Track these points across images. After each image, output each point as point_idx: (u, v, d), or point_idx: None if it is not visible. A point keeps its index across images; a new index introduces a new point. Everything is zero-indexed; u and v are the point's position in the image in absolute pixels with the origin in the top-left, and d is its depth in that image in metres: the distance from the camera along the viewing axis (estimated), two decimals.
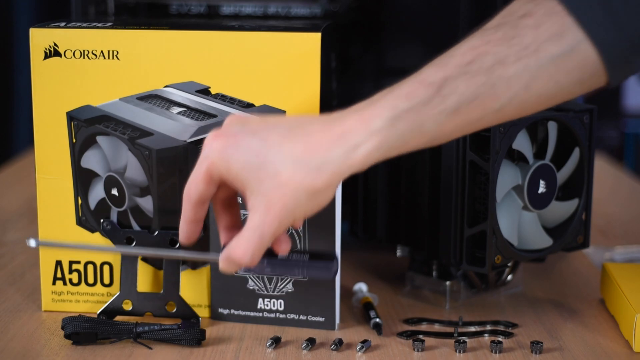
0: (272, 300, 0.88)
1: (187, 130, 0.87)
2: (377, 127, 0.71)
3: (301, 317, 0.88)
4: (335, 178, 0.72)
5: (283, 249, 0.77)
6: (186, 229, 0.78)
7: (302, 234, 0.86)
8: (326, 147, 0.72)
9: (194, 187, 0.76)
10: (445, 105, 0.72)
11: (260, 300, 0.89)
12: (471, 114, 0.72)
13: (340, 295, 0.88)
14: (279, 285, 0.88)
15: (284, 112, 0.87)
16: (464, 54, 0.73)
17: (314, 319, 0.88)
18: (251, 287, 0.89)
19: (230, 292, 0.89)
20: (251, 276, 0.88)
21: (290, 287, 0.88)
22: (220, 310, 0.89)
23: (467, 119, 0.73)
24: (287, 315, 0.88)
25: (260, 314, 0.89)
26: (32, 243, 0.77)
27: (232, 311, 0.89)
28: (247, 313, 0.89)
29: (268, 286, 0.88)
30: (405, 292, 0.98)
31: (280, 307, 0.88)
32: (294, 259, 0.78)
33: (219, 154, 0.73)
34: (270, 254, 0.76)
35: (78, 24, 0.90)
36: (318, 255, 0.79)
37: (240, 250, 0.73)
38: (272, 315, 0.89)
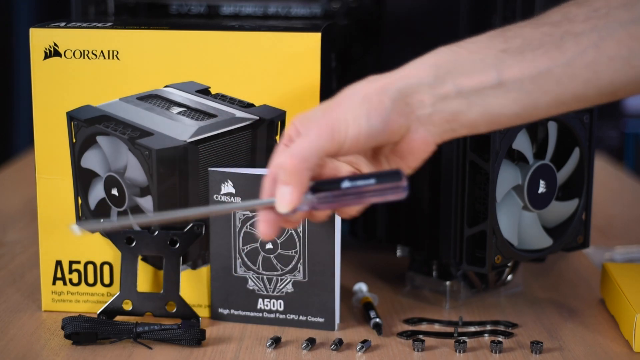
0: (272, 301, 0.88)
1: (187, 130, 0.87)
2: (435, 50, 0.74)
3: (301, 317, 0.88)
4: (386, 86, 0.72)
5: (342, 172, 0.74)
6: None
7: (301, 234, 0.86)
8: (388, 72, 0.74)
9: (274, 156, 0.74)
10: (509, 45, 0.73)
11: (260, 300, 0.89)
12: (537, 61, 0.72)
13: (340, 296, 0.88)
14: (278, 285, 0.88)
15: (284, 112, 0.87)
16: (534, 16, 0.75)
17: (313, 319, 0.88)
18: (251, 287, 0.89)
19: (230, 292, 0.89)
20: (251, 276, 0.88)
21: (290, 288, 0.88)
22: (220, 310, 0.89)
23: (534, 67, 0.72)
24: (287, 315, 0.88)
25: (260, 314, 0.89)
26: (76, 230, 0.75)
27: (232, 311, 0.89)
28: (247, 313, 0.89)
29: (268, 286, 0.88)
30: (405, 292, 0.98)
31: (280, 307, 0.88)
32: (359, 185, 0.72)
33: (298, 115, 0.74)
34: (333, 188, 0.72)
35: (78, 24, 0.90)
36: (383, 176, 0.73)
37: (285, 155, 0.70)
38: (272, 315, 0.89)
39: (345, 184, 0.72)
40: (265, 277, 0.88)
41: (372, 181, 0.72)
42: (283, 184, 0.71)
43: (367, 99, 0.72)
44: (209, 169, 0.87)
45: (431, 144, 0.74)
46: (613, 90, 0.74)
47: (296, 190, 0.71)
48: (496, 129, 0.78)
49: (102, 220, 0.84)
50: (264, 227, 0.73)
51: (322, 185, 0.72)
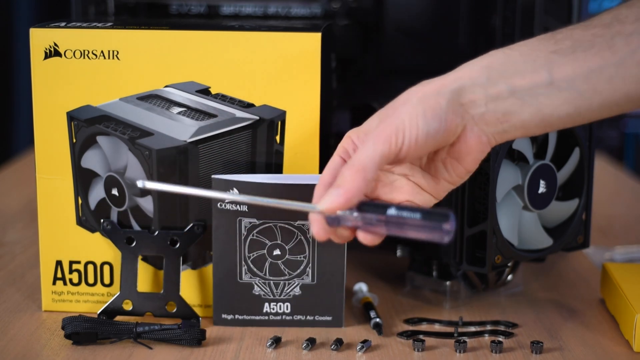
0: (279, 304, 0.88)
1: (187, 130, 0.87)
2: (488, 53, 0.74)
3: (308, 317, 0.88)
4: (441, 88, 0.73)
5: (394, 197, 0.75)
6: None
7: (311, 239, 0.86)
8: (441, 76, 0.75)
9: (328, 164, 0.76)
10: (560, 46, 0.73)
11: (266, 304, 0.88)
12: (589, 61, 0.73)
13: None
14: (286, 289, 0.88)
15: (284, 112, 0.87)
16: (585, 19, 0.76)
17: (321, 318, 0.88)
18: (257, 293, 0.88)
19: (234, 298, 0.88)
20: (257, 282, 0.88)
21: (297, 291, 0.88)
22: (224, 316, 0.88)
23: (586, 66, 0.73)
24: (294, 317, 0.88)
25: (266, 317, 0.88)
26: (140, 184, 0.75)
27: (237, 316, 0.88)
28: (253, 317, 0.88)
29: (275, 291, 0.88)
30: (405, 292, 0.98)
31: (287, 309, 0.88)
32: (404, 216, 0.71)
33: (352, 129, 0.75)
34: (378, 212, 0.72)
35: (78, 24, 0.90)
36: (430, 213, 0.71)
37: (345, 167, 0.71)
38: (278, 317, 0.88)
39: (391, 212, 0.72)
40: (272, 282, 0.88)
41: (417, 215, 0.71)
42: (336, 186, 0.71)
43: (422, 101, 0.72)
44: (212, 176, 0.86)
45: (486, 144, 0.75)
46: None
47: (345, 194, 0.71)
48: (548, 131, 0.78)
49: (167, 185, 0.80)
50: (313, 227, 0.74)
51: (368, 207, 0.72)
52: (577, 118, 0.75)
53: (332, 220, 0.72)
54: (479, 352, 0.84)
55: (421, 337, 0.86)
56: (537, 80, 0.73)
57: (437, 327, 0.90)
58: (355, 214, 0.72)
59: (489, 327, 0.89)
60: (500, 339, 0.86)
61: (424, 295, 0.97)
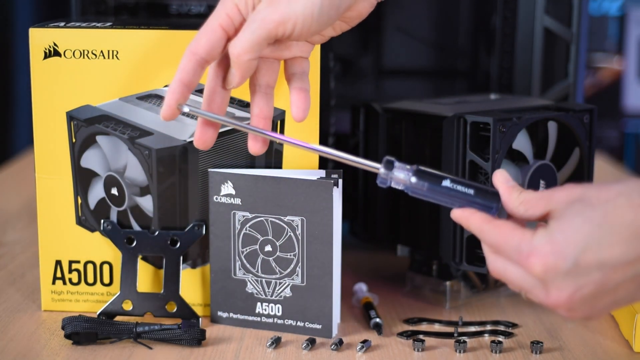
0: (271, 305, 0.88)
1: (187, 130, 0.87)
2: None
3: (299, 323, 0.88)
4: None
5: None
6: (179, 92, 0.76)
7: (300, 237, 0.86)
8: None
9: (206, 33, 0.77)
10: None
11: (259, 304, 0.88)
12: None
13: (340, 300, 0.87)
14: (277, 289, 0.88)
15: (283, 111, 0.87)
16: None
17: (311, 325, 0.87)
18: (250, 291, 0.88)
19: (229, 295, 0.88)
20: (250, 279, 0.88)
21: (288, 292, 0.88)
22: (220, 313, 0.89)
23: None
24: (285, 321, 0.88)
25: (259, 319, 0.88)
26: (185, 108, 0.76)
27: (231, 314, 0.89)
28: (246, 317, 0.89)
29: (267, 290, 0.88)
30: (405, 292, 0.98)
31: (279, 312, 0.88)
32: (458, 189, 0.74)
33: None
34: (431, 181, 0.74)
35: (78, 24, 0.90)
36: (482, 192, 0.74)
37: (232, 45, 0.74)
38: (270, 320, 0.88)
39: (446, 183, 0.74)
40: (264, 280, 0.88)
41: (471, 191, 0.74)
42: (232, 66, 0.75)
43: None
44: (209, 169, 0.87)
45: (374, 5, 0.78)
46: None
47: (239, 74, 0.75)
48: None
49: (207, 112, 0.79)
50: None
51: (424, 175, 0.74)
52: None
53: (383, 182, 0.75)
54: (479, 352, 0.84)
55: (421, 337, 0.86)
56: None
57: (437, 327, 0.90)
58: (414, 179, 0.74)
59: (489, 327, 0.89)
60: (500, 339, 0.86)
61: (424, 295, 0.97)
